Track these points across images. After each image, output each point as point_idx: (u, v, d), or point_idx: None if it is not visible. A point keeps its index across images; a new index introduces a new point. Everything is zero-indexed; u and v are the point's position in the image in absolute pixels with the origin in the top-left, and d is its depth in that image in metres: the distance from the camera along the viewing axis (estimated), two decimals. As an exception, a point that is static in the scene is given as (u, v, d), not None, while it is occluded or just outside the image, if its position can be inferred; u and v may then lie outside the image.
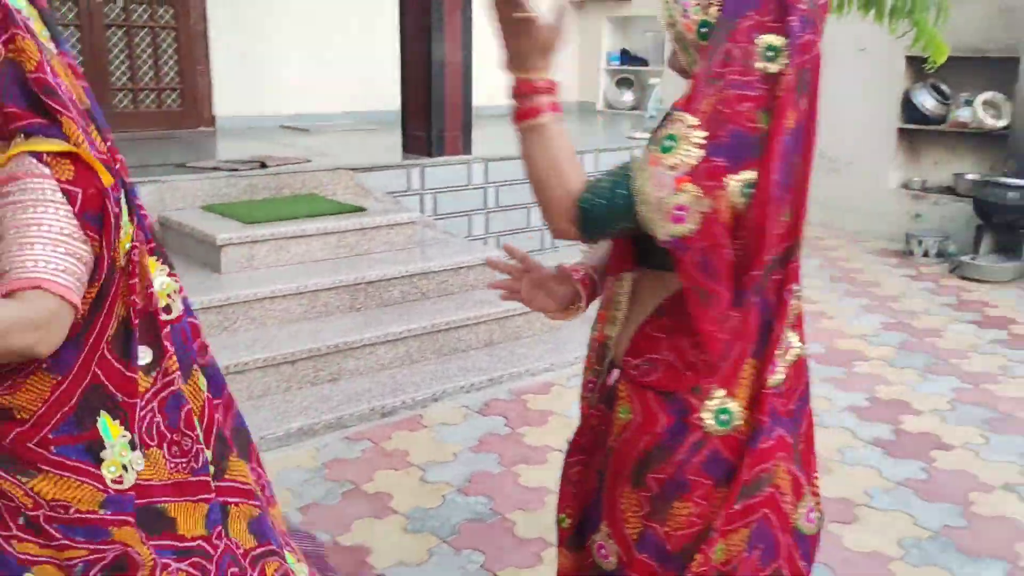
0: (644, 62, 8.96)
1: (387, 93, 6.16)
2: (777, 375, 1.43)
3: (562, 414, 3.71)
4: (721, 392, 1.40)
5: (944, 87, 6.81)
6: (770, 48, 1.32)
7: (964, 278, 5.98)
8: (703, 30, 1.36)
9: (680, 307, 1.38)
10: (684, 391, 1.40)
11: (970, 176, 6.62)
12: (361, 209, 4.66)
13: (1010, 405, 3.92)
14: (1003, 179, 6.07)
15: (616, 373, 1.53)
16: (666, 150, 1.32)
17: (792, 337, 1.48)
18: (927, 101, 6.78)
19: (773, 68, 1.32)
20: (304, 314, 4.03)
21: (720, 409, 1.41)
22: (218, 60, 6.71)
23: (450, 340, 4.18)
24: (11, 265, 1.26)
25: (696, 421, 1.40)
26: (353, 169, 5.13)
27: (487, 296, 4.39)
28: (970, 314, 5.23)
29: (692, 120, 1.31)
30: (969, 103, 6.58)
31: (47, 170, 1.29)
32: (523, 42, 1.38)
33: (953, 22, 6.46)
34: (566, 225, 1.39)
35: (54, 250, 1.27)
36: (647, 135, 6.48)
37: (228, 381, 2.94)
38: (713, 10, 1.35)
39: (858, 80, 6.94)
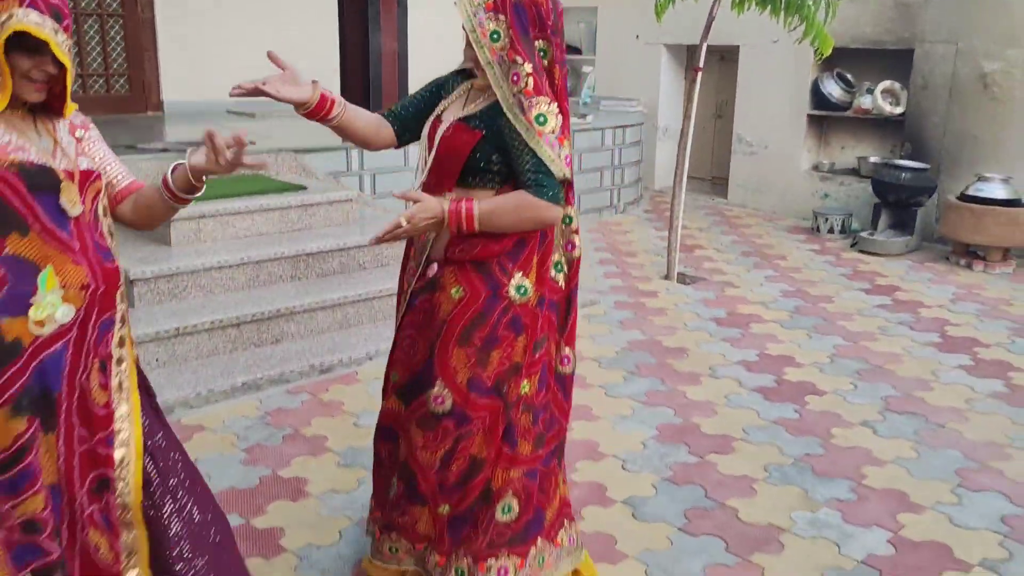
0: (578, 51, 9.39)
1: (328, 80, 6.50)
2: (555, 268, 2.20)
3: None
4: (519, 273, 2.12)
5: (849, 76, 7.36)
6: (541, 49, 2.04)
7: (863, 252, 6.53)
8: (494, 35, 1.99)
9: None
10: (495, 264, 2.08)
11: (873, 159, 7.18)
12: (302, 188, 5.01)
13: (881, 359, 4.44)
14: (898, 161, 6.63)
15: (435, 267, 2.15)
16: (543, 123, 2.00)
17: (576, 239, 2.25)
18: (834, 90, 7.33)
19: (546, 62, 2.06)
20: (248, 283, 4.38)
21: (518, 285, 2.12)
22: (165, 47, 6.98)
23: (384, 306, 4.57)
24: (125, 174, 1.95)
25: (504, 293, 2.11)
26: (295, 151, 5.48)
27: (419, 267, 4.79)
28: (862, 283, 5.77)
29: (547, 99, 2.01)
30: (871, 91, 7.13)
31: None
32: (426, 227, 2.07)
33: (855, 16, 7.04)
34: (557, 213, 2.10)
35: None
36: (577, 120, 6.93)
37: (178, 343, 3.40)
38: (502, 24, 1.98)
39: (771, 70, 7.45)
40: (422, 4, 6.67)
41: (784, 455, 3.43)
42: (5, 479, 1.70)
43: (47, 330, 1.71)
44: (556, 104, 2.02)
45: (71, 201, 1.75)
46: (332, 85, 6.16)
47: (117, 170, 1.94)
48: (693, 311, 5.11)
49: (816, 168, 7.62)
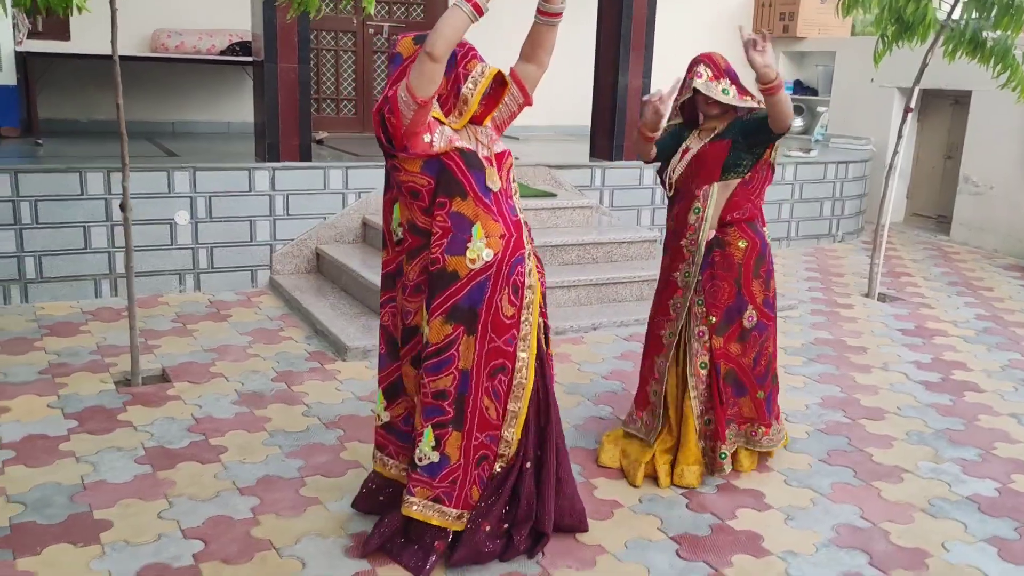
0: (815, 92, 10.03)
1: (579, 111, 7.72)
2: None
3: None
4: (765, 228, 3.51)
5: (1082, 122, 7.52)
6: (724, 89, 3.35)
7: (1077, 290, 6.74)
8: (724, 91, 3.40)
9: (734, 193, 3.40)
10: (757, 222, 3.44)
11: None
12: (553, 195, 6.24)
13: (1053, 373, 4.90)
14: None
15: (712, 233, 3.33)
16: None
17: None
18: (1064, 134, 7.52)
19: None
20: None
21: (768, 235, 3.51)
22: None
23: (609, 292, 5.65)
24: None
25: (767, 240, 3.45)
26: (550, 166, 6.73)
27: (641, 265, 5.84)
28: (1063, 315, 6.08)
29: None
30: (1102, 137, 7.27)
31: None
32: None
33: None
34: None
35: None
36: (800, 154, 7.68)
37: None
38: (725, 83, 3.39)
39: (1002, 114, 7.77)
40: (665, 46, 7.72)
41: (927, 427, 4.11)
42: (431, 363, 2.72)
43: (477, 266, 2.67)
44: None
45: (492, 180, 2.70)
46: (584, 115, 7.37)
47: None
48: (882, 322, 5.74)
49: (1043, 210, 7.81)
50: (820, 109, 9.73)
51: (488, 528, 2.83)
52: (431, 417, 2.76)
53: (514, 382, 2.80)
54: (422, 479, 2.79)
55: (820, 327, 5.58)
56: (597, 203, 6.60)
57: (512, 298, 2.73)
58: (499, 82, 2.79)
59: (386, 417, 2.99)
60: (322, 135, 7.50)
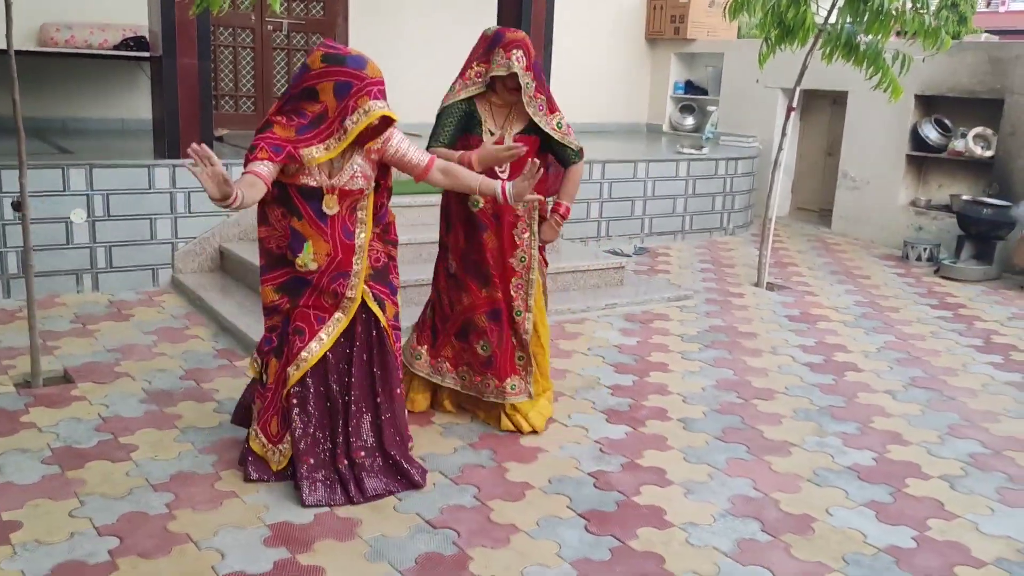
0: (704, 91, 10.45)
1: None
2: None
3: (673, 326, 5.28)
4: None
5: (947, 121, 8.12)
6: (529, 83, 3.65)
7: (944, 277, 7.28)
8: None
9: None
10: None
11: (964, 197, 7.89)
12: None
13: (922, 353, 5.30)
14: (980, 198, 7.36)
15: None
16: (560, 127, 3.61)
17: None
18: (931, 133, 8.10)
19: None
20: (412, 259, 5.70)
21: None
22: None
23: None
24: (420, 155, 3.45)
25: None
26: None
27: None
28: (931, 300, 6.57)
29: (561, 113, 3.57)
30: (964, 136, 7.87)
31: None
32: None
33: (952, 68, 7.86)
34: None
35: None
36: (692, 151, 8.00)
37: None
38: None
39: (875, 114, 8.30)
40: (562, 46, 7.91)
41: (812, 405, 4.41)
42: (270, 308, 3.30)
43: (304, 269, 3.18)
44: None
45: (328, 207, 3.14)
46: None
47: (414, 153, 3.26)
48: (771, 309, 6.09)
49: (913, 203, 8.38)
50: (710, 108, 10.13)
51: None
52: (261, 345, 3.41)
53: (301, 352, 3.22)
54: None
55: (714, 315, 5.88)
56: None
57: (327, 301, 3.24)
58: (386, 123, 3.15)
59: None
60: (222, 132, 7.41)
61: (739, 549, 3.07)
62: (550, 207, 3.87)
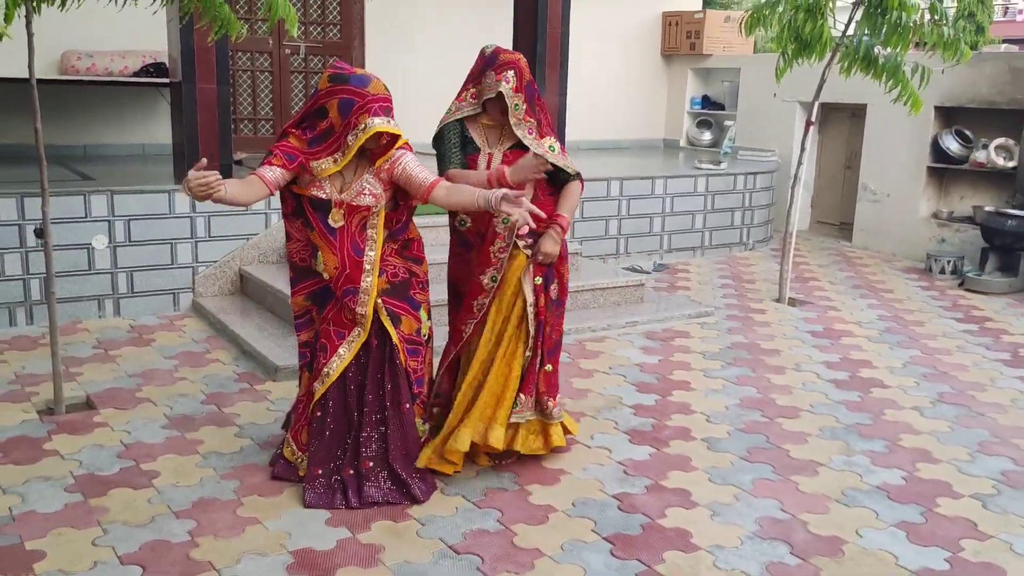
0: (721, 107, 10.42)
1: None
2: None
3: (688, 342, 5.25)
4: None
5: (967, 132, 8.04)
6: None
7: (968, 290, 7.19)
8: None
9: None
10: None
11: (987, 208, 7.80)
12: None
13: (948, 367, 5.22)
14: (1004, 210, 7.27)
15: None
16: (553, 150, 3.53)
17: None
18: (952, 144, 8.02)
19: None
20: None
21: None
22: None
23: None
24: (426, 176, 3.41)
25: None
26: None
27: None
28: (956, 313, 6.48)
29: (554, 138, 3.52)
30: (986, 146, 7.79)
31: None
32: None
33: (973, 79, 7.80)
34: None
35: None
36: (710, 166, 7.97)
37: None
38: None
39: (895, 126, 8.24)
40: (578, 65, 7.92)
41: (838, 423, 4.35)
42: (303, 320, 3.50)
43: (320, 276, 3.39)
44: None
45: (334, 220, 3.28)
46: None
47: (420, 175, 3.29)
48: (793, 325, 6.02)
49: (935, 216, 8.29)
50: (727, 123, 10.10)
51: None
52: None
53: (324, 368, 3.37)
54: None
55: (736, 332, 5.82)
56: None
57: (346, 316, 3.36)
58: (394, 142, 3.27)
59: None
60: (241, 156, 7.45)
61: (768, 573, 3.02)
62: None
